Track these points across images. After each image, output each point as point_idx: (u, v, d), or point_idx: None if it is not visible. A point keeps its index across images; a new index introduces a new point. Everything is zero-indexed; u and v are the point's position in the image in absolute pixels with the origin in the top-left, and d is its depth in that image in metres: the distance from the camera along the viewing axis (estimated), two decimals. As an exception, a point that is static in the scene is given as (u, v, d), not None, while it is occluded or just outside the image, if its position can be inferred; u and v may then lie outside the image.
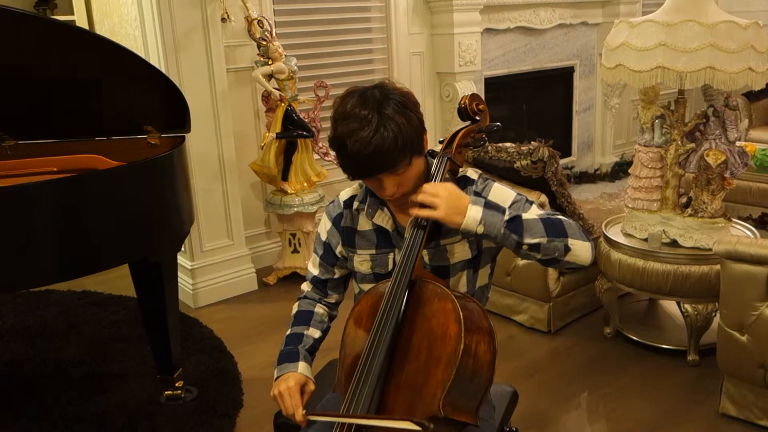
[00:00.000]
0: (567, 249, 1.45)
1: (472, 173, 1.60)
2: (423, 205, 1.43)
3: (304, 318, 1.69)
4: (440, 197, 1.41)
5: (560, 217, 1.48)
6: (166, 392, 2.70)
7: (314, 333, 1.67)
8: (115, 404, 2.69)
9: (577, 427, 2.59)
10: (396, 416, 1.35)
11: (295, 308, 1.72)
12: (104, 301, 3.70)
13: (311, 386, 1.55)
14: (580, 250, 1.46)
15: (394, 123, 1.39)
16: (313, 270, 1.71)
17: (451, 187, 1.44)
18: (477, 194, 1.55)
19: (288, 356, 1.59)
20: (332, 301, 1.74)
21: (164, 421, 2.57)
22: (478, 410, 1.41)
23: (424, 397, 1.35)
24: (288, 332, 1.66)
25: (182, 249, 3.58)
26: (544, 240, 1.43)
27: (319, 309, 1.71)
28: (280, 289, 3.85)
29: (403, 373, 1.39)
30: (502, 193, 1.56)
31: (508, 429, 1.72)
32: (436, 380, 1.34)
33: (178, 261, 3.25)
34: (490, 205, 1.45)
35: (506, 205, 1.53)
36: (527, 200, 1.55)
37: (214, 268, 3.70)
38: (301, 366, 1.57)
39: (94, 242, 2.21)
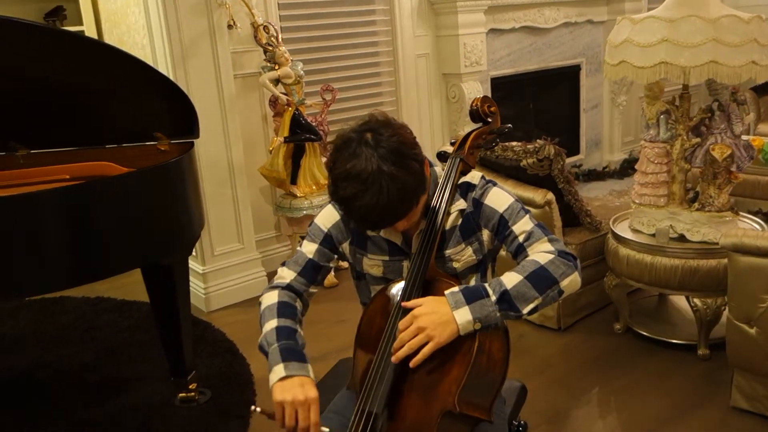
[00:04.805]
0: (561, 293, 1.42)
1: (475, 177, 1.58)
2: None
3: (291, 311, 1.53)
4: (422, 330, 1.35)
5: (540, 261, 1.41)
6: (180, 394, 2.73)
7: (301, 332, 1.52)
8: (130, 407, 2.73)
9: (588, 422, 2.59)
10: None
11: (273, 296, 1.56)
12: (118, 307, 3.75)
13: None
14: (572, 285, 1.43)
15: (397, 181, 1.32)
16: (309, 254, 1.59)
17: (422, 311, 1.37)
18: (476, 201, 1.54)
19: (294, 355, 1.43)
20: (314, 291, 1.63)
21: (178, 423, 2.60)
22: (492, 406, 1.42)
23: (439, 393, 1.36)
24: (275, 322, 1.49)
25: (194, 253, 3.61)
26: (539, 301, 1.39)
27: (298, 306, 1.58)
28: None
29: (418, 371, 1.39)
30: (499, 197, 1.53)
31: (517, 423, 1.73)
32: (451, 377, 1.36)
33: (190, 265, 3.29)
34: (469, 294, 1.37)
35: (501, 210, 1.51)
36: (522, 208, 1.52)
37: (225, 272, 3.74)
38: (312, 372, 1.43)
39: (105, 248, 2.24)
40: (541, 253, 1.44)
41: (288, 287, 1.59)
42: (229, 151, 3.65)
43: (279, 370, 1.41)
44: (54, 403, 2.80)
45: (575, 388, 2.77)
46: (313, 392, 1.39)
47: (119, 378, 2.98)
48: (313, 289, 1.63)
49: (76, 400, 2.80)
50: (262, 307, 1.56)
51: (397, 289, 1.49)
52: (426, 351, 1.35)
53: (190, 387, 2.74)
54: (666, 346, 2.99)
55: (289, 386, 1.38)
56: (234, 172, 3.69)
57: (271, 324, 1.50)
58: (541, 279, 1.40)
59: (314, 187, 3.88)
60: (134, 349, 3.24)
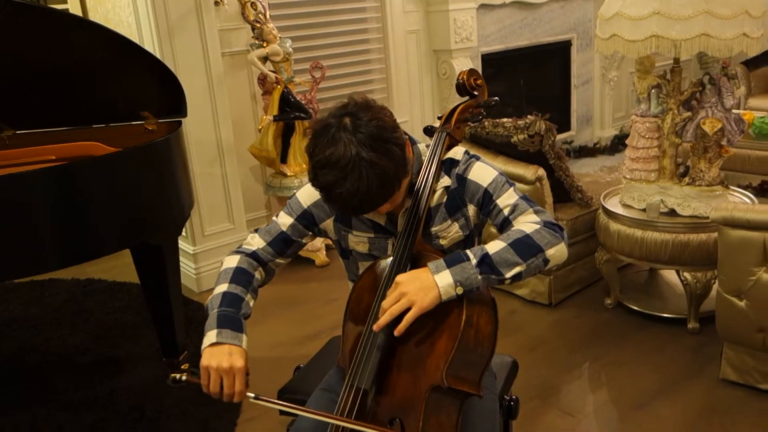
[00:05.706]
0: (546, 261, 1.39)
1: (458, 153, 1.56)
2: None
3: (245, 279, 1.53)
4: (404, 294, 1.32)
5: (525, 230, 1.39)
6: (172, 375, 2.72)
7: (250, 302, 1.52)
8: (122, 388, 2.72)
9: (579, 396, 2.61)
10: (368, 424, 1.33)
11: (233, 261, 1.56)
12: (108, 289, 3.73)
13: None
14: (558, 254, 1.40)
15: (377, 167, 1.30)
16: (283, 226, 1.59)
17: (404, 278, 1.36)
18: (459, 176, 1.52)
19: (231, 322, 1.44)
20: (281, 262, 1.62)
21: (170, 403, 2.60)
22: (481, 381, 1.42)
23: (427, 368, 1.36)
24: (225, 287, 1.50)
25: (184, 234, 3.60)
26: (522, 267, 1.36)
27: (258, 275, 1.58)
28: (283, 271, 3.81)
29: (406, 346, 1.40)
30: (483, 171, 1.51)
31: (508, 398, 1.74)
32: (439, 352, 1.36)
33: (181, 246, 3.28)
34: (450, 260, 1.35)
35: (485, 184, 1.49)
36: (507, 181, 1.50)
37: (216, 252, 3.72)
38: (245, 342, 1.43)
39: (93, 228, 2.22)
40: (527, 223, 1.43)
41: (252, 255, 1.59)
42: (218, 130, 3.61)
43: (211, 336, 1.42)
44: (45, 385, 2.79)
45: (566, 363, 2.78)
46: (239, 362, 1.39)
47: (110, 359, 2.98)
48: (280, 261, 1.63)
49: (68, 383, 2.79)
50: (221, 269, 1.56)
51: (384, 265, 1.48)
52: (409, 317, 1.32)
53: (182, 367, 2.72)
54: (656, 321, 3.01)
55: (217, 353, 1.40)
56: (223, 151, 3.65)
57: (221, 288, 1.50)
58: (525, 246, 1.37)
59: (304, 166, 3.85)
60: (125, 331, 3.23)
